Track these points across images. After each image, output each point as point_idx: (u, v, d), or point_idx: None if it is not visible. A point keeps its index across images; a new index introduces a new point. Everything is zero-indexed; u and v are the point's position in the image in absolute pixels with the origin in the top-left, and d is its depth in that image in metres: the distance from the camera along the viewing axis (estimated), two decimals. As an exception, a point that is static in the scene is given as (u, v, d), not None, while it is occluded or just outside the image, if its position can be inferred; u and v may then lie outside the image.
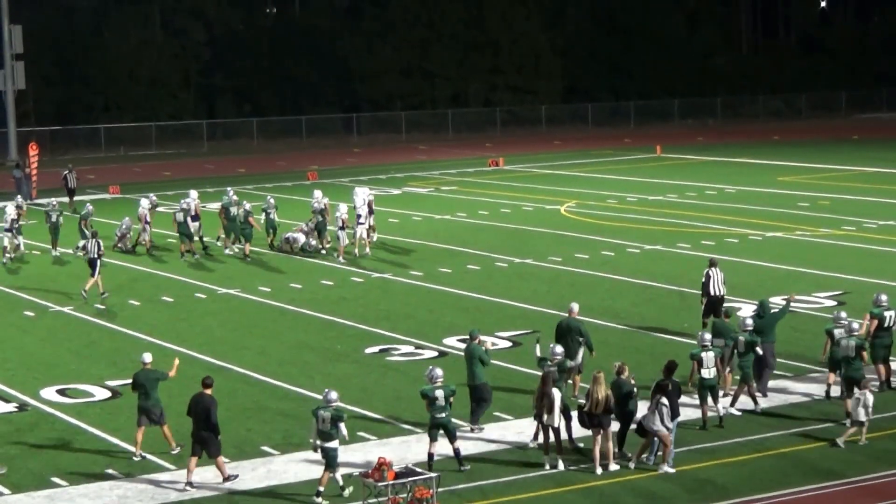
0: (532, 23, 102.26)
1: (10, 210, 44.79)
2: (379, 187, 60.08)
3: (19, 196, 49.57)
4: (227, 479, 21.94)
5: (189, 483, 21.74)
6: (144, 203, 45.50)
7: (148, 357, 23.86)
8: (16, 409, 26.61)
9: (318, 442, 21.22)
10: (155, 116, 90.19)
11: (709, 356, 24.25)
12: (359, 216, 42.88)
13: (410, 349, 30.63)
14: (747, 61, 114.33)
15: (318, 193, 45.78)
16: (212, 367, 29.27)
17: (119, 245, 45.38)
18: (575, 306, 26.81)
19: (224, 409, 25.77)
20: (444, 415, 22.04)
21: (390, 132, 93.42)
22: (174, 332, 32.84)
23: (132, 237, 45.51)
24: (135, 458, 23.22)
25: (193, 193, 45.98)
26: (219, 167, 74.90)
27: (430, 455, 22.08)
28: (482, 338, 25.31)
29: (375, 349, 30.66)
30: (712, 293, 30.74)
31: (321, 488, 21.04)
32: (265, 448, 23.56)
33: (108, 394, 27.56)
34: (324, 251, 43.61)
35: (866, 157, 70.22)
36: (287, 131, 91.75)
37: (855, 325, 25.11)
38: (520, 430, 24.12)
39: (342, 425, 21.17)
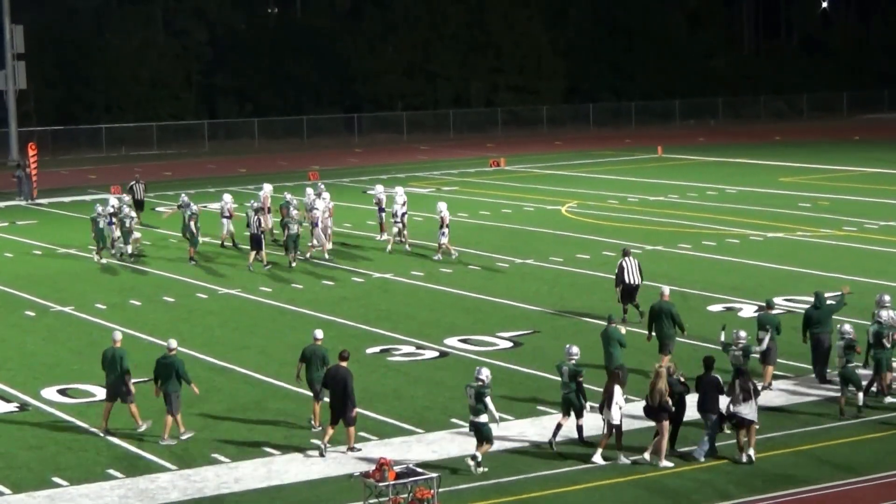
0: (533, 23, 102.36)
1: (113, 202, 44.05)
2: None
3: (124, 194, 48.49)
4: (351, 448, 22.99)
5: (324, 447, 22.92)
6: (227, 198, 45.28)
7: (319, 333, 24.85)
8: (17, 409, 26.61)
9: (471, 417, 22.09)
10: (156, 116, 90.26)
11: (839, 346, 24.84)
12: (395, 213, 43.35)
13: (411, 349, 30.63)
14: (749, 62, 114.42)
15: (309, 191, 45.67)
16: (213, 366, 29.32)
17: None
18: (666, 289, 28.33)
19: (225, 409, 25.87)
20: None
21: (392, 132, 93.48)
22: (175, 331, 32.72)
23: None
24: (315, 429, 24.31)
25: (268, 187, 46.14)
26: (220, 167, 74.95)
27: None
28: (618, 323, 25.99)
29: (376, 349, 30.65)
30: (627, 281, 32.14)
31: (479, 457, 21.96)
32: (266, 448, 23.56)
33: (108, 393, 27.54)
34: (294, 263, 41.40)
35: (867, 158, 70.22)
36: (288, 131, 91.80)
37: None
38: (521, 430, 24.10)
39: (487, 400, 21.84)
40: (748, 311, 32.79)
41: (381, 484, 19.91)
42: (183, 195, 46.19)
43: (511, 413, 25.03)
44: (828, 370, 26.87)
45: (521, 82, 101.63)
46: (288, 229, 41.50)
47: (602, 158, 74.54)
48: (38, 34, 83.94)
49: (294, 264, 41.14)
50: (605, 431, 22.52)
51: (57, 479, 22.27)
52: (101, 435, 24.46)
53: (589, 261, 41.23)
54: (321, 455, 22.89)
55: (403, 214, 43.61)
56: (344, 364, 23.19)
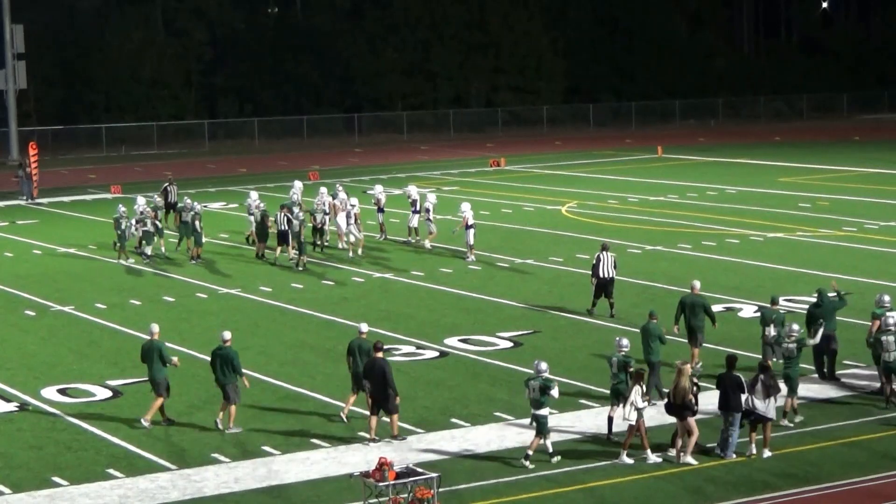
0: (534, 24, 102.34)
1: (140, 202, 43.71)
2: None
3: (155, 195, 48.28)
4: (395, 436, 23.57)
5: (372, 439, 23.47)
6: (253, 195, 45.15)
7: (364, 327, 25.14)
8: (16, 409, 26.61)
9: (532, 410, 22.42)
10: (157, 116, 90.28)
11: (889, 340, 25.01)
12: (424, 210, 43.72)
13: (411, 349, 30.62)
14: (749, 62, 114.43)
15: (323, 190, 45.71)
16: (213, 366, 29.30)
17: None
18: (697, 283, 28.33)
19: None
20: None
21: (392, 132, 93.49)
22: (175, 331, 32.80)
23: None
24: (344, 421, 24.75)
25: (298, 184, 46.04)
26: (220, 167, 74.96)
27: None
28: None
29: (376, 349, 30.61)
30: (601, 275, 32.78)
31: (530, 452, 22.26)
32: (266, 448, 23.56)
33: (108, 393, 27.55)
34: (293, 262, 41.50)
35: (867, 158, 70.20)
36: (288, 131, 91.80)
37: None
38: (520, 430, 24.09)
39: (553, 392, 22.35)
40: (748, 311, 32.81)
41: (381, 484, 19.90)
42: (186, 198, 46.10)
43: (511, 413, 25.05)
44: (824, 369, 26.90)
45: (521, 82, 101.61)
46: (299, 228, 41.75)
47: (602, 158, 74.53)
48: (38, 34, 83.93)
49: (301, 267, 41.06)
50: (641, 430, 22.62)
51: (57, 479, 22.27)
52: (162, 425, 24.87)
53: (589, 261, 40.97)
54: (369, 442, 23.39)
55: (429, 212, 43.71)
56: (380, 355, 23.76)
